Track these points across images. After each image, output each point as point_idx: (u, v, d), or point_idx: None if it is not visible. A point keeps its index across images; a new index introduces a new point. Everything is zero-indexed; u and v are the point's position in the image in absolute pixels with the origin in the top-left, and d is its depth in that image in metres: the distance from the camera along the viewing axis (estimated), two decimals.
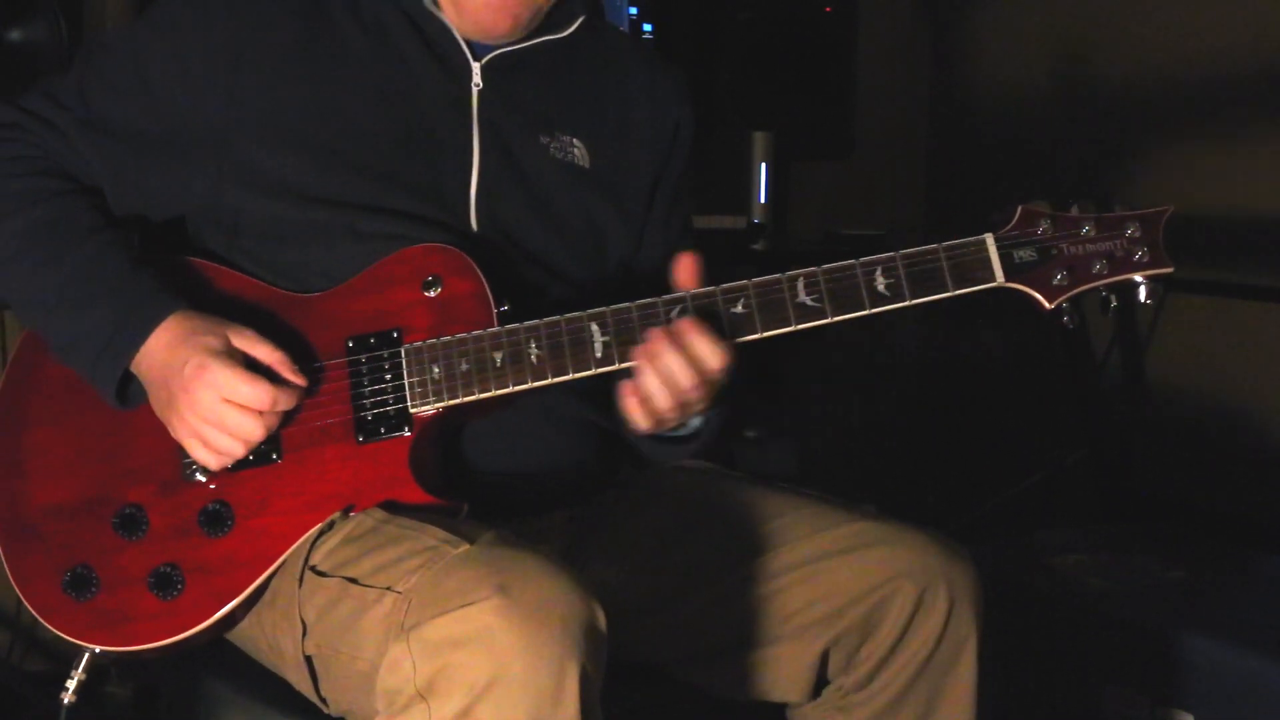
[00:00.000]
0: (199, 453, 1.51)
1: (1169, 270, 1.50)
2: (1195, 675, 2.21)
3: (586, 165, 1.70)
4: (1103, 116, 3.37)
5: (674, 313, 1.50)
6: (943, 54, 3.88)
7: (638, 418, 1.51)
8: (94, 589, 1.53)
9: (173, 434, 1.52)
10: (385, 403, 1.54)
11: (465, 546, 1.38)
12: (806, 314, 1.50)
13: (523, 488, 1.64)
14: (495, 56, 1.66)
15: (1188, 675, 2.22)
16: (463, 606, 1.29)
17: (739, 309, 1.50)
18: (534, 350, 1.51)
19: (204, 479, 1.54)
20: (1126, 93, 3.33)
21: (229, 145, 1.59)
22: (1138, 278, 1.50)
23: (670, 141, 1.77)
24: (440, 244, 1.57)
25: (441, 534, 1.41)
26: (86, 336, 1.53)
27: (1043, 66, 3.55)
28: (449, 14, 1.64)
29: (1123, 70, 3.34)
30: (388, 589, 1.39)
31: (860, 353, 3.70)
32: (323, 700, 1.52)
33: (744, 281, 1.50)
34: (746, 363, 1.53)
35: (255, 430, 1.49)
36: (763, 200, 3.08)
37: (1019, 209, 1.51)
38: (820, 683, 1.63)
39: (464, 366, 1.52)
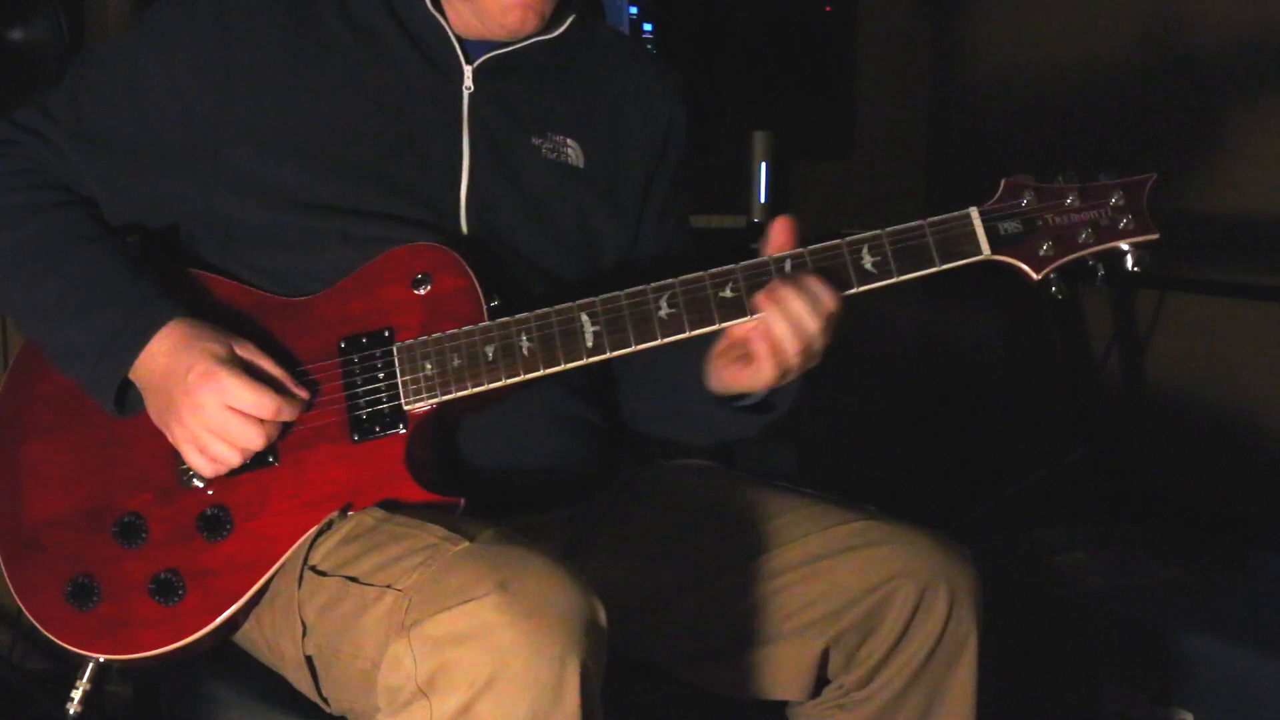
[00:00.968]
0: (195, 459, 1.52)
1: (1155, 237, 1.49)
2: (1195, 674, 2.21)
3: (580, 165, 1.70)
4: (1103, 116, 3.37)
5: (663, 300, 1.50)
6: (943, 54, 3.88)
7: (767, 367, 1.49)
8: (96, 598, 1.54)
9: (170, 439, 1.53)
10: (379, 401, 1.54)
11: (465, 543, 1.38)
12: None
13: (522, 485, 1.64)
14: (488, 59, 1.66)
15: (1187, 674, 2.22)
16: (463, 603, 1.29)
17: (728, 293, 1.50)
18: (525, 342, 1.52)
19: (201, 484, 1.54)
20: (1127, 92, 3.33)
21: (219, 152, 1.59)
22: (1124, 245, 1.49)
23: (663, 139, 1.77)
24: (428, 242, 1.57)
25: (441, 531, 1.41)
26: (86, 344, 1.53)
27: (1042, 66, 3.55)
28: (456, 16, 1.64)
29: (1123, 70, 3.34)
30: (388, 587, 1.39)
31: (860, 352, 3.70)
32: (324, 700, 1.52)
33: (731, 266, 1.51)
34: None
35: (255, 439, 1.49)
36: (763, 200, 3.07)
37: (1002, 182, 1.51)
38: (821, 681, 1.63)
39: (456, 362, 1.53)
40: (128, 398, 1.56)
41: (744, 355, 1.52)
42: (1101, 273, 1.51)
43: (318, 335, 1.57)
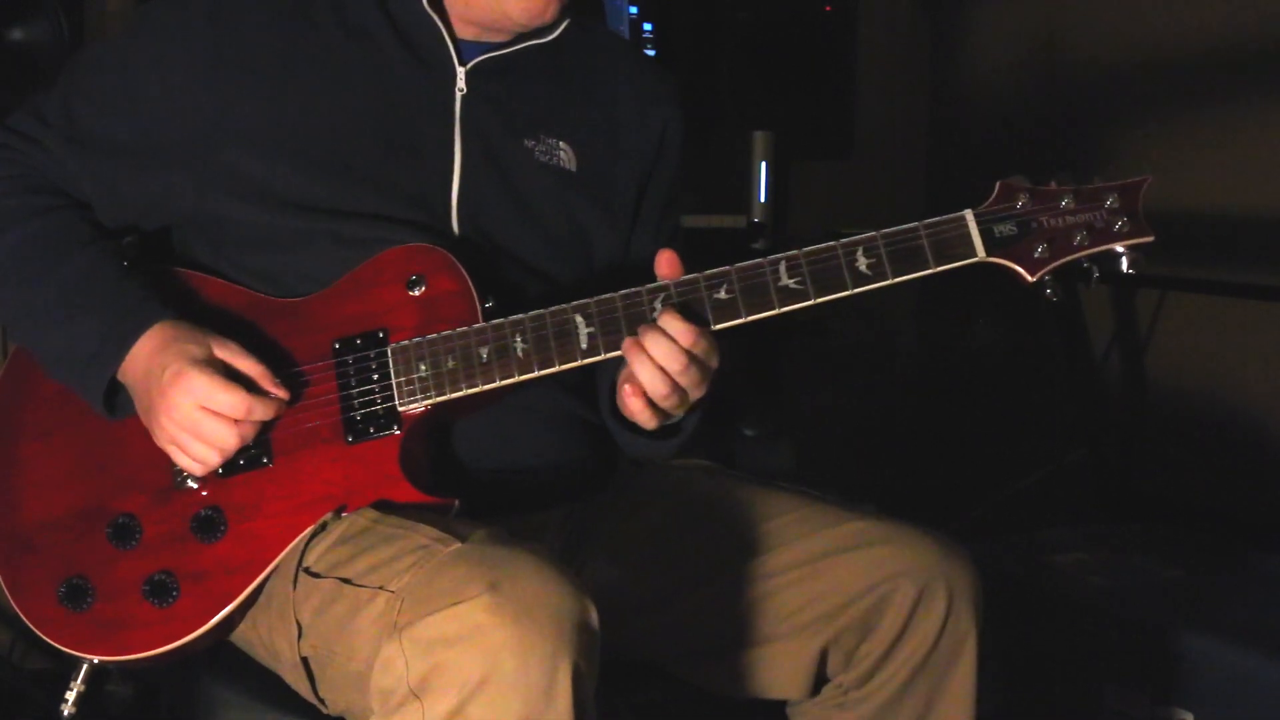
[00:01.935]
0: (179, 459, 1.52)
1: (1150, 239, 1.49)
2: (1195, 673, 2.21)
3: (573, 168, 1.70)
4: (1103, 116, 3.37)
5: (658, 301, 1.50)
6: (942, 54, 3.88)
7: (642, 413, 1.52)
8: (90, 599, 1.54)
9: (155, 440, 1.53)
10: (373, 402, 1.54)
11: (457, 544, 1.38)
12: (789, 297, 1.50)
13: (519, 484, 1.64)
14: (481, 61, 1.66)
15: (1187, 673, 2.22)
16: (454, 605, 1.29)
17: (722, 294, 1.50)
18: (519, 344, 1.52)
19: (195, 485, 1.54)
20: (1127, 92, 3.33)
21: (211, 153, 1.59)
22: (1119, 248, 1.49)
23: (658, 143, 1.77)
24: (423, 243, 1.57)
25: (433, 532, 1.41)
26: (74, 348, 1.54)
27: (1042, 66, 3.55)
28: (456, 15, 1.64)
29: (1123, 70, 3.34)
30: (380, 588, 1.39)
31: (860, 351, 3.70)
32: (320, 700, 1.52)
33: (726, 267, 1.51)
34: (736, 357, 1.53)
35: (230, 438, 1.49)
36: (763, 200, 3.08)
37: (997, 184, 1.51)
38: (819, 681, 1.63)
39: (450, 363, 1.53)
40: (119, 400, 1.56)
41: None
42: (1096, 274, 1.51)
43: (312, 336, 1.57)
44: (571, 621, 1.30)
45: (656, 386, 1.48)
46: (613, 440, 1.72)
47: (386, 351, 1.55)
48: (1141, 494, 3.16)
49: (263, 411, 1.50)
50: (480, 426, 1.60)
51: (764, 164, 3.07)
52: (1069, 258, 1.50)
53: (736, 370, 1.58)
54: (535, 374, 1.52)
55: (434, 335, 1.54)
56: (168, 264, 1.65)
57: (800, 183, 3.31)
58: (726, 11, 3.08)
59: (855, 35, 3.19)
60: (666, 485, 1.73)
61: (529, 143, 1.68)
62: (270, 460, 1.54)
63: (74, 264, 1.57)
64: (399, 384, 1.54)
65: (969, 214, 1.50)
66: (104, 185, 1.63)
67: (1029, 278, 1.50)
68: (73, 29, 2.43)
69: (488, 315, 1.54)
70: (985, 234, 1.49)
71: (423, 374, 1.54)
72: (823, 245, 1.50)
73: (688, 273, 1.52)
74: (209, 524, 1.53)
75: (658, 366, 1.47)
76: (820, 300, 1.51)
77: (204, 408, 1.48)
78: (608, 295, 1.52)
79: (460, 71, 1.65)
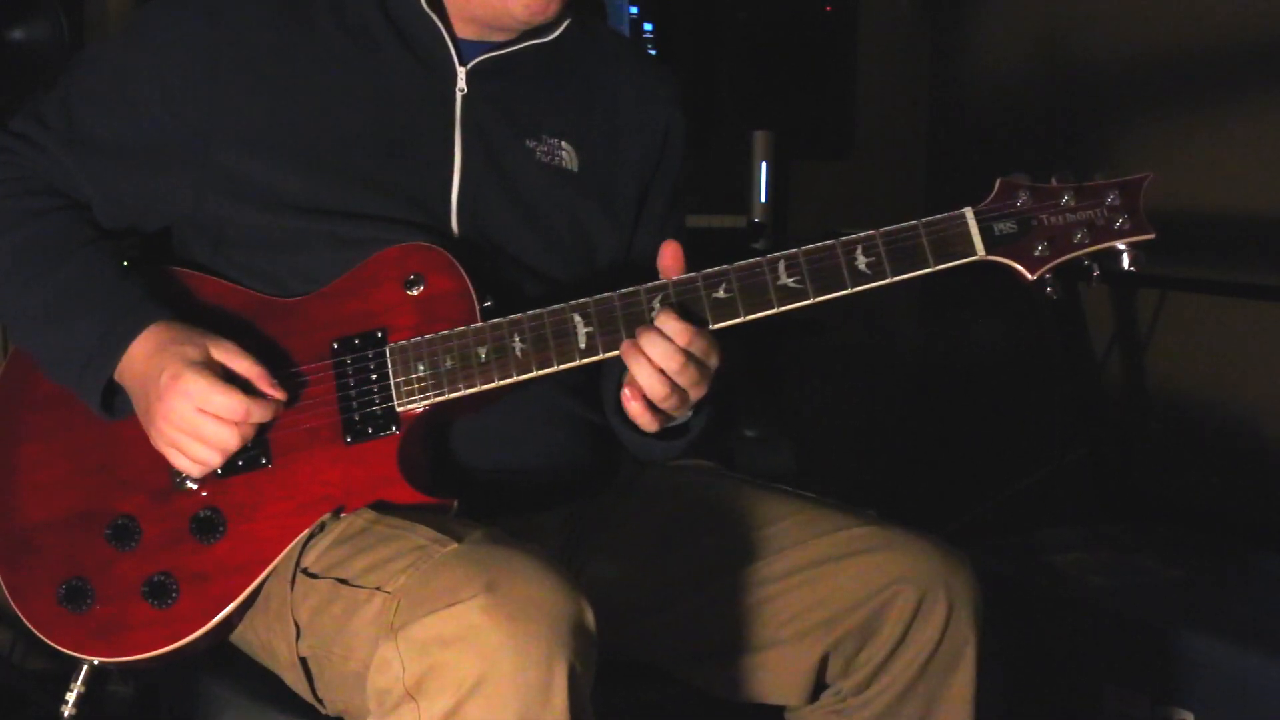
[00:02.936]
0: (178, 461, 1.52)
1: (1151, 237, 1.48)
2: (1195, 674, 2.21)
3: (575, 169, 1.70)
4: (1104, 116, 3.37)
5: (656, 301, 1.50)
6: (942, 54, 3.88)
7: (641, 415, 1.52)
8: (89, 601, 1.54)
9: (153, 443, 1.53)
10: (372, 403, 1.54)
11: (453, 545, 1.38)
12: (789, 296, 1.50)
13: (518, 484, 1.64)
14: (482, 60, 1.66)
15: (1187, 673, 2.22)
16: (450, 606, 1.30)
17: (721, 294, 1.50)
18: (518, 344, 1.52)
19: (194, 486, 1.54)
20: (1128, 92, 3.33)
21: (209, 154, 1.59)
22: (1120, 245, 1.49)
23: (660, 144, 1.77)
24: (422, 243, 1.57)
25: (430, 533, 1.41)
26: (72, 349, 1.54)
27: (1043, 66, 3.55)
28: (456, 14, 1.64)
29: (1124, 70, 3.34)
30: (377, 589, 1.39)
31: (860, 352, 3.70)
32: (319, 700, 1.52)
33: (725, 266, 1.51)
34: (739, 357, 1.53)
35: (230, 440, 1.49)
36: (763, 200, 3.07)
37: (997, 181, 1.51)
38: (819, 686, 1.63)
39: (449, 363, 1.53)
40: (117, 401, 1.56)
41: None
42: (1097, 272, 1.51)
43: (310, 336, 1.57)
44: (568, 622, 1.30)
45: (655, 387, 1.48)
46: (613, 440, 1.72)
47: (385, 352, 1.55)
48: (1141, 494, 3.16)
49: (260, 413, 1.50)
50: (479, 427, 1.60)
51: (764, 164, 3.07)
52: (1069, 255, 1.50)
53: (737, 371, 1.57)
54: (534, 374, 1.52)
55: (432, 335, 1.54)
56: (166, 264, 1.65)
57: (800, 183, 3.31)
58: (726, 11, 3.08)
59: (855, 35, 3.19)
60: (666, 487, 1.73)
61: (530, 143, 1.68)
62: (269, 461, 1.54)
63: (72, 265, 1.57)
64: (397, 384, 1.54)
65: (969, 212, 1.50)
66: (103, 186, 1.62)
67: (1029, 276, 1.49)
68: (73, 29, 2.42)
69: (487, 315, 1.54)
70: (985, 232, 1.49)
71: (421, 374, 1.53)
72: (822, 244, 1.50)
73: (688, 274, 1.52)
74: (208, 525, 1.53)
75: (655, 367, 1.47)
76: (819, 299, 1.50)
77: (202, 410, 1.48)
78: (606, 295, 1.52)
79: (461, 71, 1.65)
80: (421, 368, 1.53)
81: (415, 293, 1.56)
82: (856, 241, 1.50)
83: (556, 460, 1.67)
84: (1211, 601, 2.36)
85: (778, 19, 3.10)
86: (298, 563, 1.50)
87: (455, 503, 1.53)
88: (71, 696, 1.57)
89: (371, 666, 1.34)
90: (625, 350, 1.49)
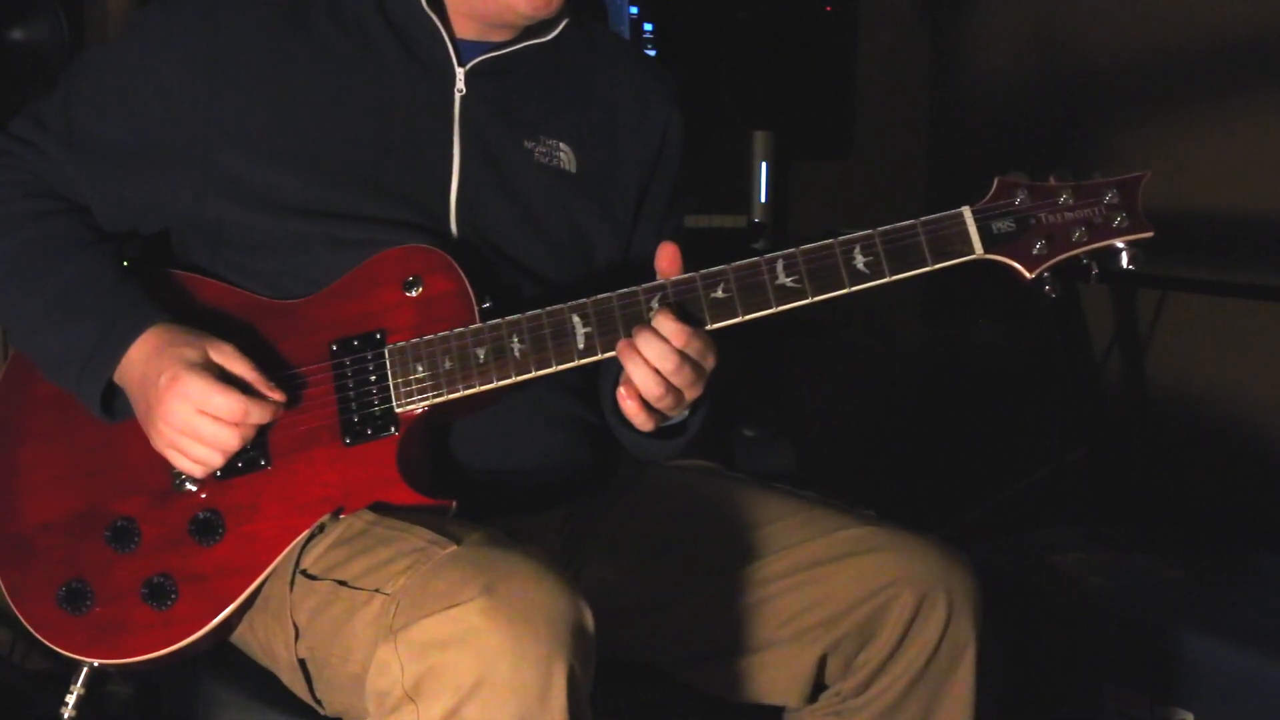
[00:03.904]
0: (179, 462, 1.52)
1: (1149, 235, 1.49)
2: (1195, 673, 2.21)
3: (573, 170, 1.70)
4: (1104, 116, 3.37)
5: (654, 301, 1.50)
6: (942, 54, 3.87)
7: (637, 415, 1.52)
8: (89, 602, 1.54)
9: (153, 445, 1.53)
10: (371, 404, 1.54)
11: (452, 547, 1.38)
12: (787, 295, 1.50)
13: (519, 485, 1.64)
14: (480, 61, 1.66)
15: (1187, 673, 2.22)
16: (449, 607, 1.30)
17: (719, 294, 1.50)
18: (516, 344, 1.52)
19: (194, 488, 1.54)
20: (1127, 92, 3.33)
21: (208, 156, 1.59)
22: (1118, 244, 1.49)
23: (659, 145, 1.77)
24: (420, 244, 1.57)
25: (429, 535, 1.41)
26: (70, 351, 1.54)
27: (1043, 66, 3.55)
28: (456, 14, 1.64)
29: (1123, 69, 3.34)
30: (376, 591, 1.40)
31: (860, 352, 3.70)
32: (318, 702, 1.52)
33: (723, 266, 1.51)
34: (737, 358, 1.53)
35: (230, 440, 1.49)
36: (763, 200, 3.08)
37: (996, 180, 1.50)
38: (818, 688, 1.63)
39: (447, 364, 1.53)
40: (117, 403, 1.56)
41: None
42: (1095, 271, 1.51)
43: (309, 338, 1.57)
44: (566, 624, 1.30)
45: (650, 387, 1.48)
46: (612, 441, 1.72)
47: (384, 353, 1.55)
48: (1141, 494, 3.16)
49: (260, 414, 1.50)
50: (478, 428, 1.60)
51: (764, 164, 3.07)
52: (1067, 254, 1.50)
53: (734, 370, 1.58)
54: (533, 374, 1.52)
55: (431, 336, 1.54)
56: (165, 267, 1.65)
57: (800, 183, 3.31)
58: (726, 11, 3.08)
59: (855, 35, 3.19)
60: (666, 487, 1.73)
61: (529, 144, 1.68)
62: (268, 463, 1.54)
63: (72, 267, 1.57)
64: (396, 385, 1.54)
65: (967, 211, 1.50)
66: (102, 189, 1.63)
67: (1027, 275, 1.49)
68: (73, 29, 2.42)
69: (486, 316, 1.54)
70: (983, 231, 1.49)
71: (420, 375, 1.54)
72: (820, 243, 1.50)
73: (687, 273, 1.52)
74: (207, 526, 1.53)
75: (651, 367, 1.47)
76: (818, 299, 1.51)
77: (202, 411, 1.48)
78: (604, 295, 1.52)
79: (459, 72, 1.65)
80: (420, 369, 1.54)
81: (414, 294, 1.56)
82: (855, 241, 1.50)
83: (555, 461, 1.67)
84: (1211, 601, 2.36)
85: (778, 19, 3.10)
86: (297, 564, 1.50)
87: (454, 504, 1.53)
88: (71, 698, 1.57)
89: (370, 668, 1.35)
90: (621, 349, 1.49)
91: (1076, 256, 1.50)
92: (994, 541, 2.67)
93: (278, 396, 1.52)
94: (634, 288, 1.52)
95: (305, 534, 1.51)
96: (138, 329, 1.52)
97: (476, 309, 1.54)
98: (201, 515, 1.54)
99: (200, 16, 1.60)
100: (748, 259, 1.51)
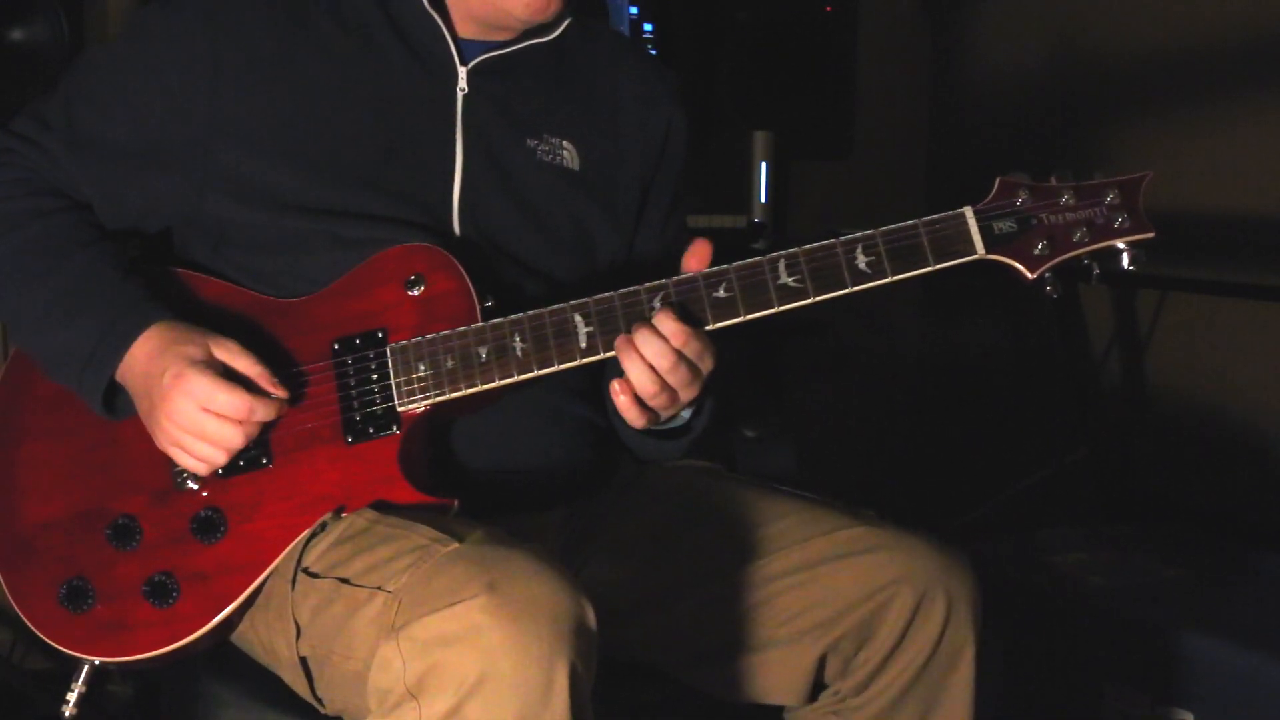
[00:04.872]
0: (183, 460, 1.52)
1: (1150, 235, 1.49)
2: (1195, 673, 2.21)
3: (576, 168, 1.70)
4: (1104, 116, 3.37)
5: (656, 300, 1.50)
6: (942, 54, 3.88)
7: (629, 410, 1.52)
8: (90, 600, 1.54)
9: (156, 443, 1.53)
10: (373, 403, 1.54)
11: (454, 545, 1.38)
12: (789, 295, 1.50)
13: (519, 484, 1.64)
14: (483, 60, 1.66)
15: (1188, 673, 2.22)
16: (451, 605, 1.30)
17: (721, 293, 1.50)
18: (518, 343, 1.52)
19: (195, 486, 1.54)
20: (1128, 92, 3.33)
21: (210, 155, 1.59)
22: (1119, 244, 1.49)
23: (661, 144, 1.77)
24: (422, 243, 1.57)
25: (431, 532, 1.41)
26: (72, 349, 1.54)
27: (1043, 66, 3.55)
28: (457, 14, 1.64)
29: (1124, 70, 3.34)
30: (378, 589, 1.40)
31: (861, 352, 3.70)
32: (319, 700, 1.52)
33: (725, 266, 1.51)
34: (738, 358, 1.53)
35: (235, 438, 1.49)
36: (763, 200, 3.08)
37: (997, 181, 1.51)
38: (817, 687, 1.63)
39: (449, 363, 1.53)
40: (119, 401, 1.56)
41: None
42: (1097, 271, 1.51)
43: (311, 337, 1.57)
44: (569, 622, 1.30)
45: (644, 384, 1.48)
46: (613, 440, 1.72)
47: (386, 351, 1.55)
48: (1141, 494, 3.16)
49: (264, 412, 1.50)
50: (480, 426, 1.60)
51: (764, 164, 3.07)
52: (1069, 254, 1.50)
53: (735, 371, 1.58)
54: (534, 374, 1.52)
55: (433, 335, 1.54)
56: (168, 265, 1.65)
57: (800, 183, 3.31)
58: (726, 11, 3.08)
59: (855, 35, 3.19)
60: (667, 486, 1.73)
61: (531, 142, 1.68)
62: (270, 461, 1.54)
63: (74, 265, 1.57)
64: (398, 384, 1.54)
65: (968, 211, 1.50)
66: (104, 187, 1.63)
67: (1029, 275, 1.49)
68: (73, 29, 2.43)
69: (488, 315, 1.54)
70: (985, 231, 1.49)
71: (422, 374, 1.54)
72: (822, 243, 1.50)
73: (688, 273, 1.52)
74: (209, 525, 1.53)
75: (647, 364, 1.48)
76: (820, 299, 1.51)
77: (206, 408, 1.48)
78: (606, 294, 1.52)
79: (462, 71, 1.65)
80: (422, 367, 1.54)
81: (416, 293, 1.56)
82: (856, 241, 1.50)
83: (557, 460, 1.67)
84: (1211, 601, 2.36)
85: (778, 19, 3.10)
86: (299, 562, 1.50)
87: (456, 502, 1.53)
88: (72, 697, 1.57)
89: (372, 666, 1.35)
90: (619, 345, 1.49)
91: (1078, 257, 1.50)
92: (994, 541, 2.67)
93: (282, 393, 1.52)
94: (636, 287, 1.52)
95: (307, 532, 1.51)
96: (140, 327, 1.52)
97: (478, 308, 1.55)
98: (203, 513, 1.54)
99: (201, 16, 1.60)
100: (749, 259, 1.51)
